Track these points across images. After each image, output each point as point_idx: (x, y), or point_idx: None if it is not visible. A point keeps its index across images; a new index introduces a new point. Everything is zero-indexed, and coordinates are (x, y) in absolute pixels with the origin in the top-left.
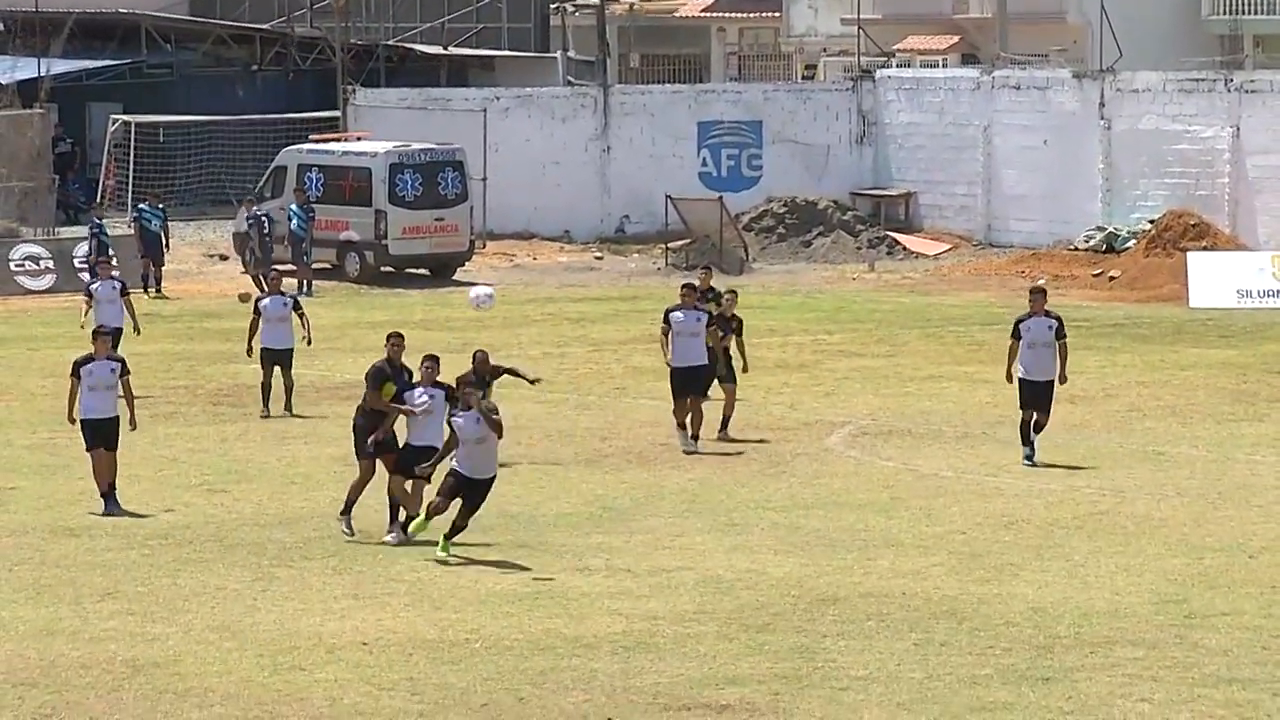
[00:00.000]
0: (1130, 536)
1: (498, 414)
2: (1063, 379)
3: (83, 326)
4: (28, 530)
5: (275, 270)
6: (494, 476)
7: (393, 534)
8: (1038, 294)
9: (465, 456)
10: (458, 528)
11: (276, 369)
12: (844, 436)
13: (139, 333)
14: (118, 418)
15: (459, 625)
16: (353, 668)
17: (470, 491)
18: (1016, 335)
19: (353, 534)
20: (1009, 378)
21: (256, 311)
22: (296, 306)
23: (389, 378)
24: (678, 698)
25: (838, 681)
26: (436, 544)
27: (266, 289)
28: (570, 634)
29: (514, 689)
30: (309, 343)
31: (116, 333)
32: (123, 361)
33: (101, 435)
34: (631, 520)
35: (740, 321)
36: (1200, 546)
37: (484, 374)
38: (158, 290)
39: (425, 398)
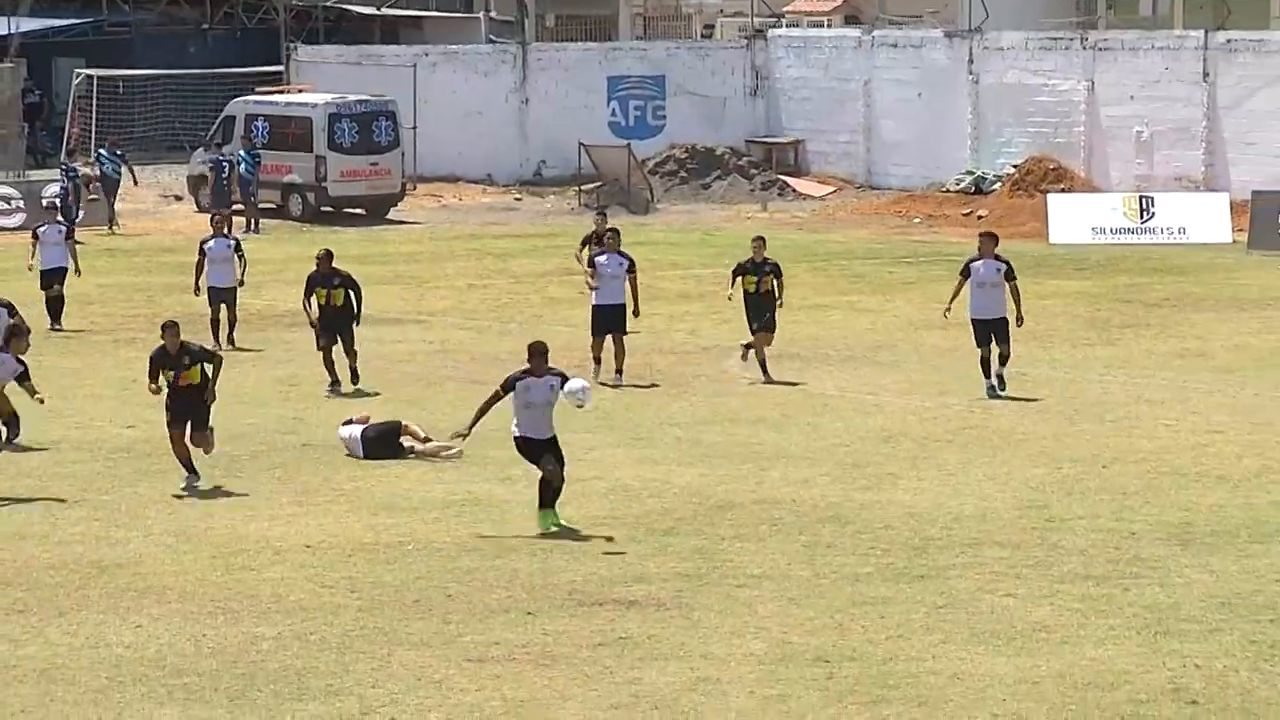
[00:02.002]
0: (996, 449)
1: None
2: (1019, 320)
3: (30, 268)
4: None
5: (220, 213)
6: (555, 435)
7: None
8: (987, 238)
9: (528, 420)
10: (554, 490)
11: (222, 305)
12: (740, 360)
13: (79, 274)
14: None
15: (394, 530)
16: (297, 568)
17: (543, 451)
18: (965, 274)
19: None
20: (947, 310)
21: (202, 253)
22: (238, 248)
23: (166, 365)
24: (591, 594)
25: (735, 579)
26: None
27: (212, 230)
28: (494, 537)
29: (443, 586)
30: (241, 284)
31: (61, 272)
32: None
33: None
34: None
35: (777, 266)
36: (1059, 458)
37: (328, 273)
38: (111, 226)
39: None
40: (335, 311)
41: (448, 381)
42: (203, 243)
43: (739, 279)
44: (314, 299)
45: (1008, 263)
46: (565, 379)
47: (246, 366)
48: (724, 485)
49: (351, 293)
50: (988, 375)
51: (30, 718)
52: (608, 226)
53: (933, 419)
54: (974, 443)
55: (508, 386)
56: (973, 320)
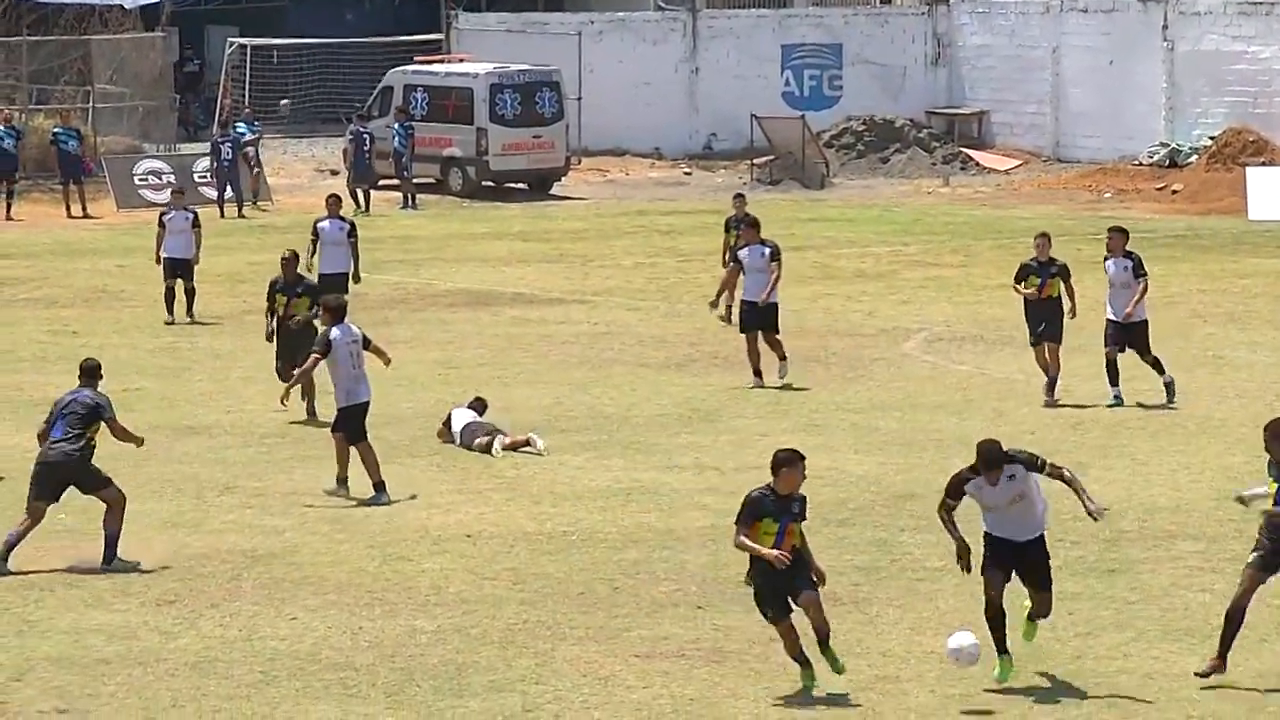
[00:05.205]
0: (1191, 436)
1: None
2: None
3: (158, 260)
4: (152, 428)
5: (335, 195)
6: (1042, 534)
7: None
8: (1116, 233)
9: (995, 519)
10: (1032, 616)
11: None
12: (919, 342)
13: (196, 263)
14: None
15: (557, 519)
16: (457, 558)
17: (1020, 559)
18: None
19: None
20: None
21: (315, 234)
22: (352, 232)
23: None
24: None
25: (914, 573)
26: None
27: (326, 211)
28: (661, 527)
29: (609, 579)
30: (356, 279)
31: (186, 263)
32: None
33: None
34: (719, 421)
35: (1064, 267)
36: (1258, 445)
37: (292, 280)
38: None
39: None
40: (294, 328)
41: (613, 365)
42: (316, 222)
43: (1023, 283)
44: (274, 311)
45: (1137, 259)
46: (1034, 463)
47: (403, 348)
48: (903, 474)
49: (315, 308)
50: (1113, 384)
51: (182, 713)
52: (746, 211)
53: (1123, 405)
54: (1166, 430)
55: (955, 493)
56: (1107, 320)
